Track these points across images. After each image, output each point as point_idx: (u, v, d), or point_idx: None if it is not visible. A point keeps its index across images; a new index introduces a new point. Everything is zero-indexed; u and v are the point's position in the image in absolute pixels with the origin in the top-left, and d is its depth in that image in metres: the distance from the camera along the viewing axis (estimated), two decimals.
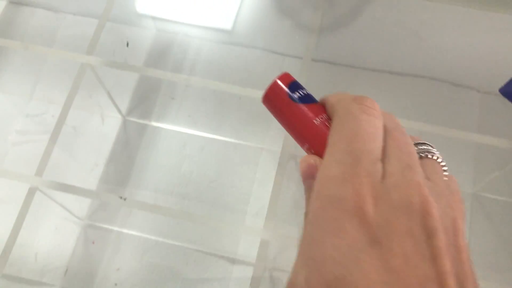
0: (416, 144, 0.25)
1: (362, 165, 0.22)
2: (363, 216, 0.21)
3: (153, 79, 0.77)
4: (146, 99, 0.76)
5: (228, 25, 0.78)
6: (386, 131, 0.24)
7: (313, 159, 0.25)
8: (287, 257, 0.67)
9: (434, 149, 0.26)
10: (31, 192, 0.55)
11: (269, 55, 0.78)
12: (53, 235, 0.68)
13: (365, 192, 0.21)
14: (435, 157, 0.25)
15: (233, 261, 0.66)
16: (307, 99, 0.26)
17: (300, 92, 0.26)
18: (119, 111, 0.74)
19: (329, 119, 0.26)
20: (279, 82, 0.26)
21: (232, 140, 0.73)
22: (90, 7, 0.81)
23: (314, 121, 0.25)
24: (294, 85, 0.27)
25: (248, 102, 0.75)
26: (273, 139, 0.73)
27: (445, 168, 0.25)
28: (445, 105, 0.73)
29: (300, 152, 0.70)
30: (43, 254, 0.67)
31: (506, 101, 0.66)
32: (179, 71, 0.77)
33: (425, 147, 0.26)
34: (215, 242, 0.67)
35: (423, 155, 0.25)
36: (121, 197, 0.53)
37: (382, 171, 0.22)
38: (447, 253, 0.20)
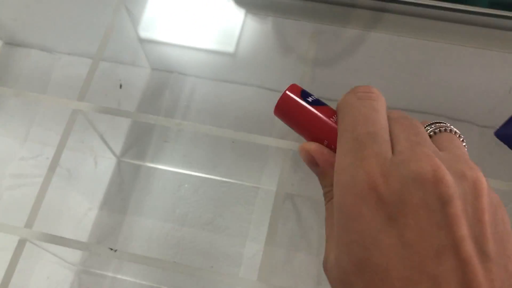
0: (430, 124, 0.26)
1: (368, 147, 0.23)
2: (376, 196, 0.21)
3: (146, 122, 0.76)
4: (139, 141, 0.75)
5: (226, 59, 0.78)
6: (391, 118, 0.25)
7: (309, 145, 0.27)
8: None
9: (449, 125, 0.26)
10: (21, 244, 0.54)
11: (264, 92, 0.77)
12: (45, 285, 0.67)
13: (375, 172, 0.22)
14: (452, 132, 0.25)
15: None
16: (319, 102, 0.28)
17: (312, 98, 0.28)
18: (113, 153, 0.73)
19: None
20: (288, 92, 0.28)
21: (227, 180, 0.72)
22: (84, 47, 0.81)
23: (329, 120, 0.27)
24: (304, 93, 0.29)
25: (243, 144, 0.74)
26: (269, 178, 0.72)
27: (463, 140, 0.26)
28: None
29: (296, 191, 0.69)
30: None
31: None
32: (174, 109, 0.77)
33: (439, 124, 0.26)
34: (211, 282, 0.66)
35: (437, 130, 0.25)
36: (111, 249, 0.52)
37: (391, 151, 0.23)
38: (463, 218, 0.20)
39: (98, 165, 0.74)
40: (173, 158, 0.74)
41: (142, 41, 0.79)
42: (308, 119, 0.27)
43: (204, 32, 0.78)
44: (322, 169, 0.27)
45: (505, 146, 0.55)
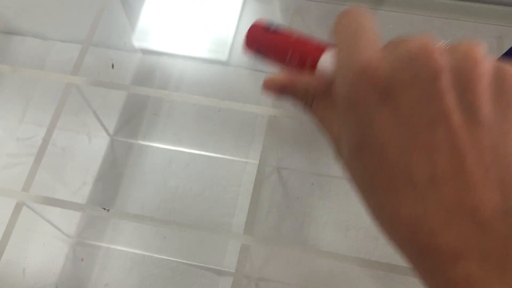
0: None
1: (363, 38, 0.24)
2: (369, 78, 0.22)
3: (139, 99, 0.79)
4: (132, 119, 0.78)
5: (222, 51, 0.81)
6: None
7: (273, 76, 0.29)
8: (274, 267, 0.68)
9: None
10: (18, 208, 0.57)
11: (254, 73, 0.80)
12: (41, 252, 0.69)
13: (367, 57, 0.22)
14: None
15: (219, 272, 0.67)
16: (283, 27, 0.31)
17: (276, 24, 0.31)
18: (106, 131, 0.76)
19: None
20: (255, 24, 0.31)
21: (216, 155, 0.75)
22: (77, 34, 0.84)
23: (299, 36, 0.29)
24: (269, 22, 0.31)
25: (230, 116, 0.77)
26: (256, 152, 0.74)
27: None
28: None
29: (282, 164, 0.71)
30: (32, 270, 0.68)
31: None
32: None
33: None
34: (201, 254, 0.68)
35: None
36: (104, 208, 0.55)
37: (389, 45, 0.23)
38: (452, 89, 0.20)
39: (92, 143, 0.76)
40: (164, 136, 0.77)
41: (134, 26, 0.82)
42: (276, 41, 0.29)
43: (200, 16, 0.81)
44: (294, 85, 0.28)
45: None
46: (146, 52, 0.83)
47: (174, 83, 0.80)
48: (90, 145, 0.76)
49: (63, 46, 0.85)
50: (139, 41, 0.82)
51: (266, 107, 0.60)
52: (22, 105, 0.80)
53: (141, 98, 0.80)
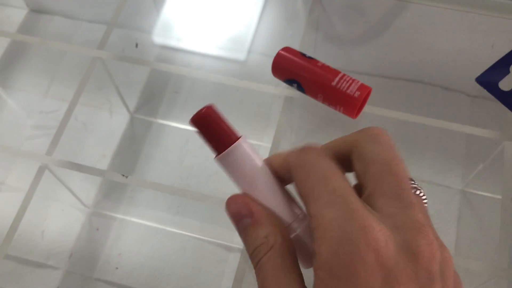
0: None
1: (353, 200, 0.22)
2: (375, 256, 0.21)
3: (160, 78, 0.82)
4: (153, 97, 0.81)
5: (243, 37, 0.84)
6: (370, 163, 0.24)
7: (237, 196, 0.27)
8: None
9: (416, 184, 0.26)
10: (41, 171, 0.59)
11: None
12: (59, 218, 0.72)
13: (373, 229, 0.21)
14: (419, 193, 0.26)
15: (228, 248, 0.69)
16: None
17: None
18: (127, 109, 0.78)
19: None
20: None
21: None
22: (104, 15, 0.87)
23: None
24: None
25: (247, 99, 0.79)
26: (271, 136, 0.76)
27: (426, 203, 0.26)
28: (437, 108, 0.77)
29: (297, 142, 0.72)
30: (50, 234, 0.71)
31: (495, 104, 0.70)
32: (181, 81, 0.82)
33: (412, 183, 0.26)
34: (212, 230, 0.70)
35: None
36: (123, 175, 0.57)
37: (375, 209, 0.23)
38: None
39: (112, 119, 0.79)
40: (182, 115, 0.79)
41: (159, 10, 0.85)
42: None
43: None
44: (255, 219, 0.26)
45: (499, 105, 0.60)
46: (163, 47, 0.85)
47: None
48: (111, 121, 0.79)
49: (90, 26, 0.88)
50: (158, 36, 0.85)
51: (283, 88, 0.62)
52: (47, 80, 0.83)
53: (162, 77, 0.82)
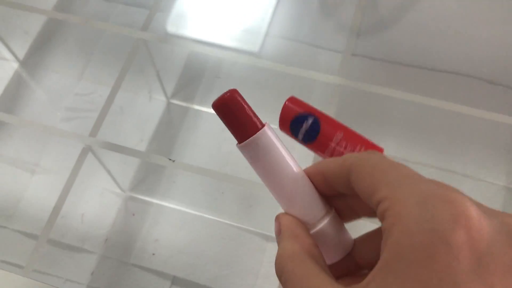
0: None
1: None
2: (467, 237, 0.17)
3: (197, 64, 0.80)
4: (190, 83, 0.79)
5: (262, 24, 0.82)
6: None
7: (282, 217, 0.25)
8: None
9: None
10: (84, 152, 0.58)
11: (308, 48, 0.81)
12: (97, 202, 0.71)
13: (466, 207, 0.18)
14: None
15: (267, 238, 0.68)
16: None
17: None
18: (165, 94, 0.77)
19: None
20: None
21: (272, 125, 0.75)
22: None
23: None
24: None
25: (289, 84, 0.77)
26: None
27: None
28: (480, 103, 0.75)
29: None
30: (88, 218, 0.70)
31: None
32: (220, 65, 0.81)
33: None
34: (251, 219, 0.69)
35: None
36: (170, 159, 0.56)
37: None
38: None
39: (150, 103, 0.78)
40: None
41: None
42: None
43: None
44: (281, 236, 0.25)
45: None
46: (179, 37, 0.83)
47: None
48: (148, 106, 0.78)
49: (125, 9, 0.87)
50: (173, 25, 0.83)
51: (334, 76, 0.60)
52: (82, 62, 0.82)
53: (199, 64, 0.81)
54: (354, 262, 0.26)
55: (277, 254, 0.23)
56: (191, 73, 0.80)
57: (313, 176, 0.25)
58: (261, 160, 0.25)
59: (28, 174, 0.73)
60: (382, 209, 0.20)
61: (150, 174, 0.73)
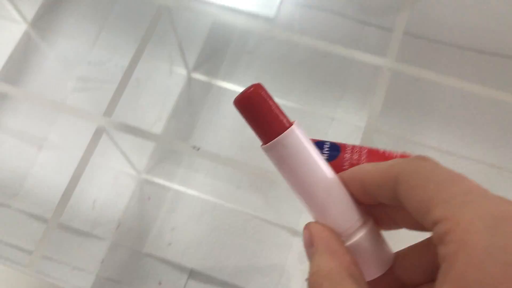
0: None
1: None
2: None
3: (224, 35, 0.73)
4: (213, 56, 0.72)
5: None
6: None
7: (312, 225, 0.23)
8: None
9: None
10: (98, 133, 0.52)
11: (355, 24, 0.73)
12: (110, 185, 0.65)
13: None
14: None
15: (294, 232, 0.62)
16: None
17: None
18: (186, 66, 0.70)
19: None
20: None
21: (301, 107, 0.69)
22: None
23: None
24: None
25: (320, 65, 0.70)
26: (345, 109, 0.68)
27: None
28: None
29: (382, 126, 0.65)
30: (100, 203, 0.64)
31: None
32: (248, 35, 0.73)
33: None
34: (275, 211, 0.63)
35: None
36: (194, 147, 0.49)
37: None
38: None
39: (170, 77, 0.71)
40: (244, 80, 0.71)
41: None
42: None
43: None
44: (314, 249, 0.23)
45: None
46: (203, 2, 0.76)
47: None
48: (167, 80, 0.71)
49: None
50: None
51: (386, 59, 0.53)
52: (96, 28, 0.75)
53: (225, 33, 0.73)
54: (395, 278, 0.23)
55: (311, 271, 0.22)
56: (216, 43, 0.73)
57: (349, 182, 0.23)
58: (288, 163, 0.22)
59: (34, 149, 0.67)
60: (440, 231, 0.17)
61: (168, 156, 0.67)
